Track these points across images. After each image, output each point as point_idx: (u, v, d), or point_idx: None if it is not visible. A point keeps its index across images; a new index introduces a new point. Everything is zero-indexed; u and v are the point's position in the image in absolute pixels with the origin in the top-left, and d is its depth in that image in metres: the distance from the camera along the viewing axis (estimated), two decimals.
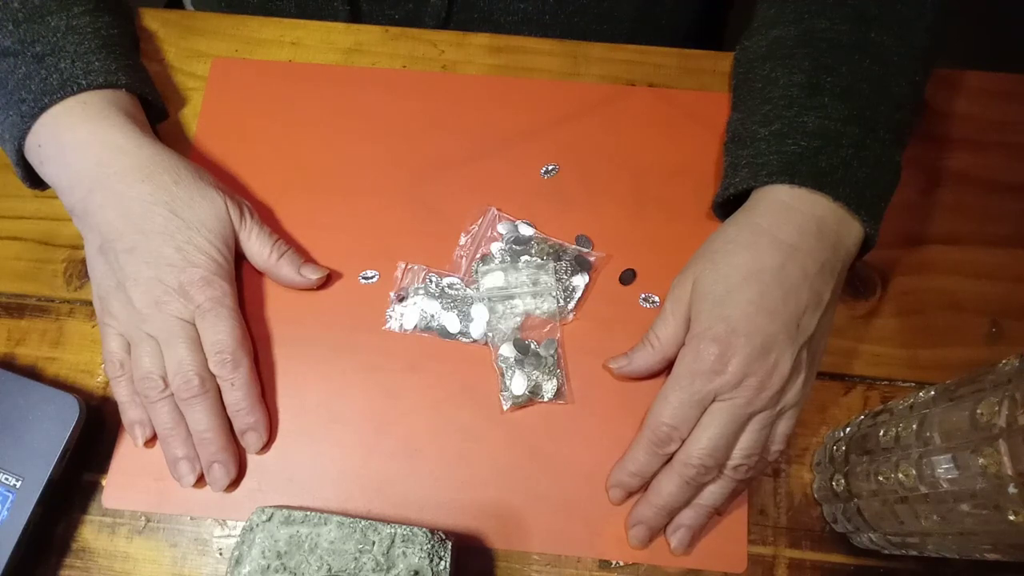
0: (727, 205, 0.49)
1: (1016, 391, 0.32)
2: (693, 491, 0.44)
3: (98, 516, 0.46)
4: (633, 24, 0.57)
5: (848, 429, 0.45)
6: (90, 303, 0.50)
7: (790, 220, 0.44)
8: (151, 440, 0.47)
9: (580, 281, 0.50)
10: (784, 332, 0.42)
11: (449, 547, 0.42)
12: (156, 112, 0.52)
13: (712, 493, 0.44)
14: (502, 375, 0.48)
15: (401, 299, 0.50)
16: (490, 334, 0.49)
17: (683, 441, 0.43)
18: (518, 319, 0.50)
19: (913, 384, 0.49)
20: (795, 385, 0.43)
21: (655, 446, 0.44)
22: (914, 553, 0.41)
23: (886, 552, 0.43)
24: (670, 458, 0.44)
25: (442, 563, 0.41)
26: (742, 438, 0.43)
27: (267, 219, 0.51)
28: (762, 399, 0.42)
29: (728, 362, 0.42)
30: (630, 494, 0.46)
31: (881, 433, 0.41)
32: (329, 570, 0.41)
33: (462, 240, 0.52)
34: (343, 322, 0.50)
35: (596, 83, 0.56)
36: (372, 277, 0.51)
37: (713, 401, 0.43)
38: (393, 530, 0.41)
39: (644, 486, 0.45)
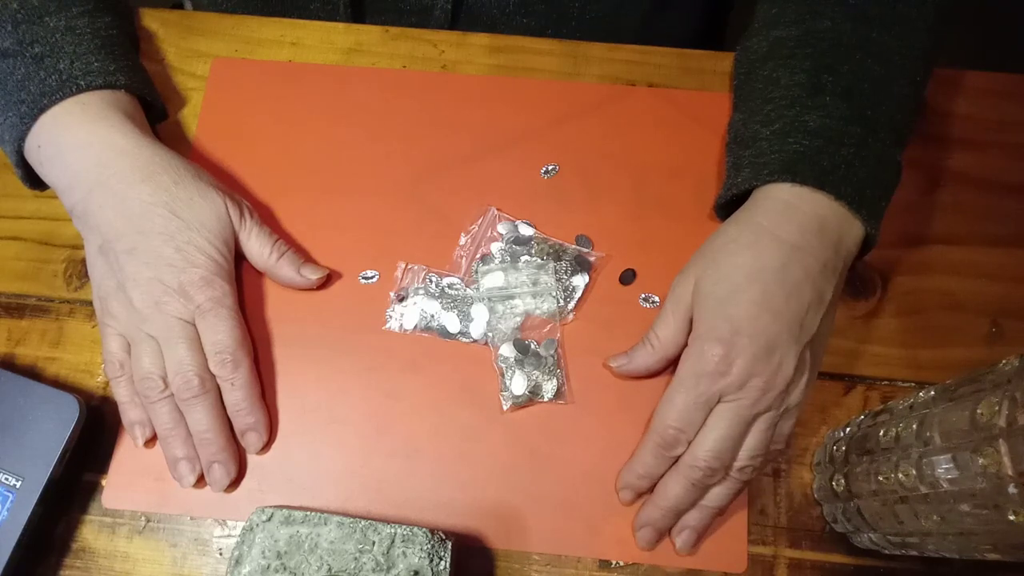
0: (729, 206, 0.49)
1: (1016, 391, 0.32)
2: (699, 493, 0.44)
3: (98, 516, 0.46)
4: (635, 39, 0.57)
5: (848, 429, 0.45)
6: (90, 303, 0.50)
7: (792, 219, 0.44)
8: (151, 440, 0.47)
9: (580, 281, 0.50)
10: (787, 332, 0.42)
11: (449, 547, 0.42)
12: (156, 112, 0.52)
13: (718, 495, 0.44)
14: (502, 375, 0.48)
15: (401, 299, 0.50)
16: (490, 334, 0.49)
17: (690, 443, 0.43)
18: (518, 319, 0.50)
19: (913, 384, 0.49)
20: (799, 385, 0.43)
21: (662, 448, 0.44)
22: (914, 553, 0.41)
23: (886, 552, 0.43)
24: (677, 459, 0.44)
25: (442, 563, 0.41)
26: (747, 439, 0.43)
27: (267, 219, 0.51)
28: (767, 399, 0.42)
29: (732, 363, 0.42)
30: (640, 495, 0.46)
31: (881, 433, 0.41)
32: (329, 570, 0.41)
33: (462, 240, 0.52)
34: (343, 322, 0.50)
35: (596, 83, 0.56)
36: (372, 277, 0.51)
37: (718, 402, 0.43)
38: (393, 530, 0.41)
39: (654, 486, 0.45)
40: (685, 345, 0.45)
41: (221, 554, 0.46)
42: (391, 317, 0.50)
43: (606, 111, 0.55)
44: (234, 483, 0.46)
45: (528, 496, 0.47)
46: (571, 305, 0.50)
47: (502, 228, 0.51)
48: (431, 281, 0.50)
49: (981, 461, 0.33)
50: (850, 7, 0.48)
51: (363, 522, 0.42)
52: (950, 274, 0.51)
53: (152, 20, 0.58)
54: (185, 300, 0.45)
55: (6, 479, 0.43)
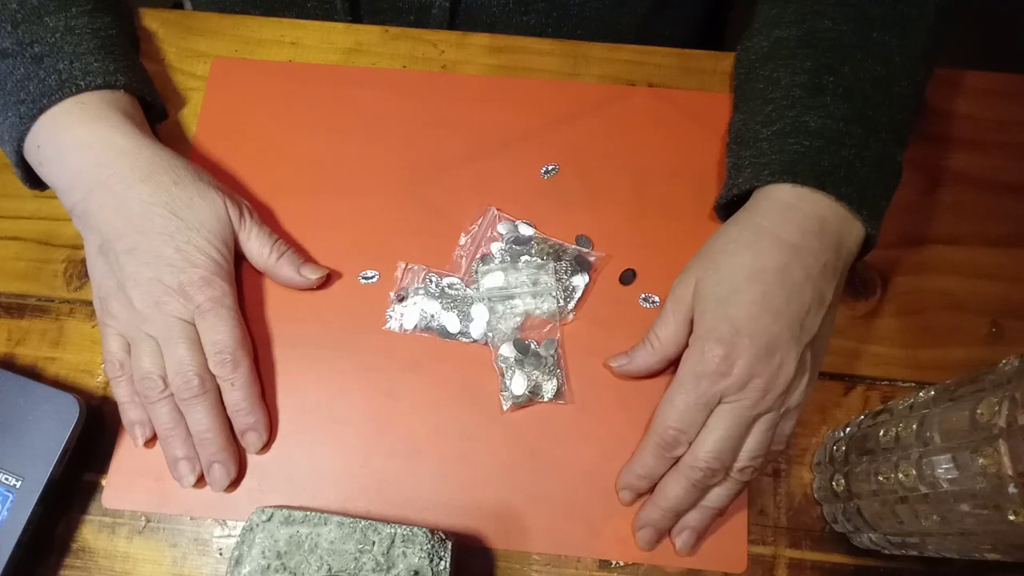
0: (729, 206, 0.49)
1: (1016, 391, 0.32)
2: (699, 493, 0.44)
3: (98, 516, 0.46)
4: (636, 37, 0.57)
5: (848, 429, 0.45)
6: (90, 303, 0.50)
7: (792, 219, 0.44)
8: (151, 440, 0.47)
9: (580, 281, 0.50)
10: (788, 332, 0.42)
11: (449, 547, 0.42)
12: (156, 112, 0.52)
13: (718, 495, 0.44)
14: (502, 375, 0.48)
15: (401, 299, 0.50)
16: (490, 334, 0.49)
17: (690, 443, 0.43)
18: (518, 319, 0.50)
19: (913, 384, 0.49)
20: (799, 386, 0.43)
21: (662, 449, 0.44)
22: (914, 553, 0.41)
23: (886, 552, 0.43)
24: (677, 459, 0.44)
25: (442, 563, 0.41)
26: (748, 440, 0.43)
27: (267, 219, 0.51)
28: (767, 400, 0.42)
29: (733, 364, 0.42)
30: (640, 495, 0.46)
31: (881, 433, 0.41)
32: (329, 570, 0.41)
33: (462, 240, 0.52)
34: (343, 322, 0.50)
35: (596, 83, 0.56)
36: (372, 277, 0.51)
37: (719, 403, 0.43)
38: (393, 530, 0.41)
39: (654, 486, 0.45)
40: (686, 346, 0.45)
41: (221, 554, 0.46)
42: (391, 317, 0.50)
43: (606, 111, 0.55)
44: (234, 483, 0.46)
45: (528, 496, 0.47)
46: (571, 305, 0.50)
47: (502, 228, 0.51)
48: (431, 281, 0.50)
49: (981, 461, 0.33)
50: (851, 7, 0.48)
51: (363, 522, 0.42)
52: (950, 274, 0.51)
53: (152, 20, 0.58)
54: (185, 300, 0.45)
55: (6, 479, 0.43)
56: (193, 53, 0.57)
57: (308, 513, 0.42)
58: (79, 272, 0.51)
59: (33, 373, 0.49)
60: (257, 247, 0.48)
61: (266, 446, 0.47)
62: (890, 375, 0.50)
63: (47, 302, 0.51)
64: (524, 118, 0.55)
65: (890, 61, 0.47)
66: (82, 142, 0.46)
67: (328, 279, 0.50)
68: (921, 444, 0.37)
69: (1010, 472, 0.32)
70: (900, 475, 0.38)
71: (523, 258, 0.51)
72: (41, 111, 0.46)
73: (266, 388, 0.48)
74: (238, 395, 0.45)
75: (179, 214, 0.45)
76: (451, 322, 0.50)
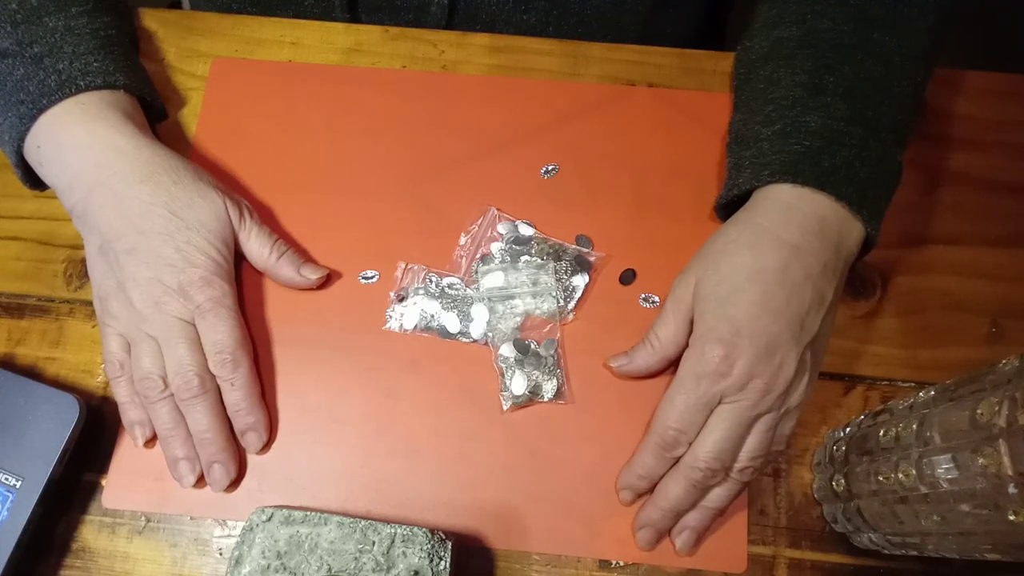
0: (730, 206, 0.49)
1: (1016, 391, 0.32)
2: (699, 494, 0.44)
3: (98, 516, 0.46)
4: (637, 36, 0.57)
5: (848, 429, 0.45)
6: (90, 303, 0.50)
7: (792, 220, 0.44)
8: (151, 440, 0.47)
9: (580, 281, 0.50)
10: (788, 333, 0.42)
11: (449, 547, 0.42)
12: (155, 112, 0.52)
13: (718, 495, 0.44)
14: (502, 375, 0.48)
15: (401, 299, 0.50)
16: (490, 334, 0.49)
17: (690, 444, 0.43)
18: (518, 319, 0.50)
19: (913, 384, 0.49)
20: (800, 386, 0.43)
21: (663, 449, 0.44)
22: (914, 553, 0.41)
23: (886, 552, 0.43)
24: (677, 459, 0.44)
25: (442, 563, 0.41)
26: (748, 440, 0.43)
27: (267, 219, 0.51)
28: (768, 401, 0.42)
29: (733, 364, 0.42)
30: (640, 495, 0.46)
31: (881, 433, 0.41)
32: (329, 570, 0.41)
33: (462, 240, 0.52)
34: (343, 322, 0.50)
35: (596, 83, 0.56)
36: (372, 277, 0.51)
37: (719, 403, 0.43)
38: (393, 530, 0.41)
39: (654, 487, 0.45)
40: (686, 346, 0.45)
41: (221, 554, 0.46)
42: (391, 317, 0.50)
43: (606, 111, 0.55)
44: (234, 483, 0.46)
45: (528, 496, 0.47)
46: (571, 305, 0.50)
47: (502, 228, 0.51)
48: (431, 281, 0.50)
49: (981, 461, 0.33)
50: (851, 7, 0.48)
51: (363, 522, 0.42)
52: (950, 274, 0.51)
53: (152, 20, 0.58)
54: (185, 300, 0.45)
55: (6, 479, 0.43)
56: (193, 53, 0.57)
57: (308, 513, 0.42)
58: (79, 272, 0.51)
59: (33, 373, 0.49)
60: (257, 247, 0.48)
61: (266, 446, 0.47)
62: (890, 375, 0.50)
63: (47, 302, 0.51)
64: (524, 118, 0.55)
65: (890, 61, 0.47)
66: (82, 142, 0.46)
67: (328, 279, 0.50)
68: (921, 444, 0.37)
69: (1010, 472, 0.32)
70: (900, 475, 0.38)
71: (523, 258, 0.51)
72: (41, 111, 0.46)
73: (266, 388, 0.48)
74: (238, 395, 0.45)
75: (179, 214, 0.45)
76: (451, 322, 0.50)
